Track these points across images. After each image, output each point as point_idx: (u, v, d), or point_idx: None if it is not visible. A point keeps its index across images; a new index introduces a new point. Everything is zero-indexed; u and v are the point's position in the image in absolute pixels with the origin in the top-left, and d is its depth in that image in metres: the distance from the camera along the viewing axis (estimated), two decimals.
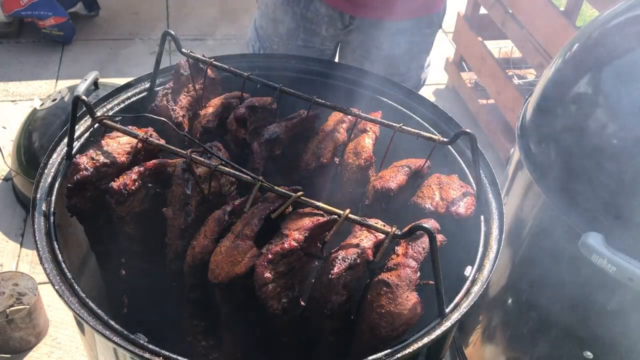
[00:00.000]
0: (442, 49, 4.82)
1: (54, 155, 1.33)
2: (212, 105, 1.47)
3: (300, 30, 1.96)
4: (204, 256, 1.16)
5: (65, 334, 2.63)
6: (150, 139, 1.26)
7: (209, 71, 1.49)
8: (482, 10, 3.86)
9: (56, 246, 1.17)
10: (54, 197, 1.26)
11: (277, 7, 1.96)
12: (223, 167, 1.18)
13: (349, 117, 1.43)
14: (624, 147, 1.32)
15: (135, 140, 1.28)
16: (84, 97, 1.23)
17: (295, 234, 1.09)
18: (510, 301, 1.73)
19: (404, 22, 1.96)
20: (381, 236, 1.10)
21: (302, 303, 1.16)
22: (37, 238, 1.17)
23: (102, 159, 1.25)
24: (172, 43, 1.46)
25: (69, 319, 2.67)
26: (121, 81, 1.65)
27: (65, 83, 3.89)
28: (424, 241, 1.08)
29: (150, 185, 1.26)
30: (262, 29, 2.05)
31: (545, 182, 1.50)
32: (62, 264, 1.14)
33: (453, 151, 1.44)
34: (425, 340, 1.05)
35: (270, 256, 1.07)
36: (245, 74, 1.45)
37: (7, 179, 3.30)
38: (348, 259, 1.07)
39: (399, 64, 2.05)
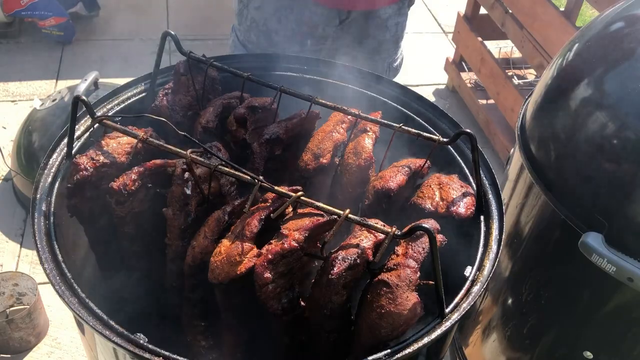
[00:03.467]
0: (442, 49, 4.82)
1: (54, 155, 1.33)
2: (212, 105, 1.47)
3: (296, 35, 1.95)
4: (204, 256, 1.16)
5: (65, 334, 2.63)
6: (150, 139, 1.26)
7: (209, 71, 1.49)
8: (482, 10, 3.86)
9: (56, 246, 1.17)
10: (54, 197, 1.26)
11: (269, 19, 1.94)
12: (223, 167, 1.18)
13: (349, 117, 1.43)
14: (623, 147, 1.33)
15: (135, 140, 1.28)
16: (84, 97, 1.23)
17: (295, 234, 1.09)
18: (510, 301, 1.74)
19: (392, 5, 2.00)
20: (381, 236, 1.10)
21: (302, 303, 1.16)
22: (37, 238, 1.17)
23: (102, 159, 1.25)
24: (172, 43, 1.46)
25: (69, 319, 2.67)
26: (121, 81, 1.65)
27: (65, 83, 3.90)
28: (424, 241, 1.08)
29: (150, 185, 1.27)
30: (252, 42, 2.03)
31: (545, 182, 1.50)
32: (62, 264, 1.14)
33: (453, 151, 1.44)
34: (425, 340, 1.05)
35: (270, 256, 1.07)
36: (245, 74, 1.45)
37: (7, 179, 3.30)
38: (348, 259, 1.07)
39: (389, 48, 2.09)
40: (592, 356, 1.53)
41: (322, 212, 1.12)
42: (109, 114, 1.44)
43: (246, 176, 1.16)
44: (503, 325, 1.79)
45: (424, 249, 1.08)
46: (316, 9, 1.90)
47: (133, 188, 1.22)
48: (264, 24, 1.97)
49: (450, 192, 1.29)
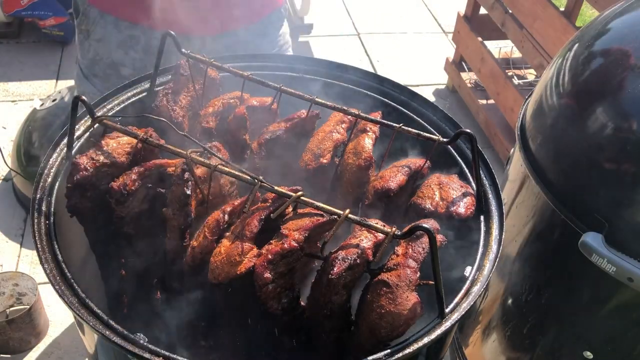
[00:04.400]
0: (442, 49, 4.83)
1: (54, 155, 1.33)
2: (212, 105, 1.47)
3: (148, 65, 1.75)
4: (204, 256, 1.16)
5: (65, 334, 2.64)
6: (150, 139, 1.26)
7: (209, 71, 1.49)
8: (482, 10, 3.87)
9: (56, 246, 1.17)
10: (54, 197, 1.26)
11: (114, 51, 1.79)
12: (223, 167, 1.18)
13: (349, 117, 1.43)
14: (623, 147, 1.33)
15: (135, 140, 1.28)
16: (83, 97, 1.23)
17: (295, 234, 1.09)
18: (510, 301, 1.74)
19: (250, 27, 1.88)
20: (381, 236, 1.10)
21: (302, 303, 1.16)
22: (37, 238, 1.17)
23: (102, 159, 1.25)
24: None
25: (69, 319, 2.67)
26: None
27: (65, 83, 3.90)
28: (424, 241, 1.08)
29: (150, 185, 1.27)
30: (99, 77, 1.85)
31: (545, 182, 1.50)
32: (62, 264, 1.14)
33: (453, 151, 1.44)
34: (425, 340, 1.05)
35: (270, 256, 1.07)
36: (245, 74, 1.45)
37: (7, 179, 3.31)
38: (348, 259, 1.07)
39: None
40: (592, 356, 1.53)
41: (322, 212, 1.12)
42: (109, 114, 1.44)
43: (246, 176, 1.16)
44: (503, 325, 1.79)
45: (424, 249, 1.08)
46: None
47: (133, 188, 1.22)
48: (108, 57, 1.82)
49: (450, 192, 1.29)
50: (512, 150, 1.78)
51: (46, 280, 1.12)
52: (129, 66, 1.82)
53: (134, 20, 1.77)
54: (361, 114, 1.39)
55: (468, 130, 1.26)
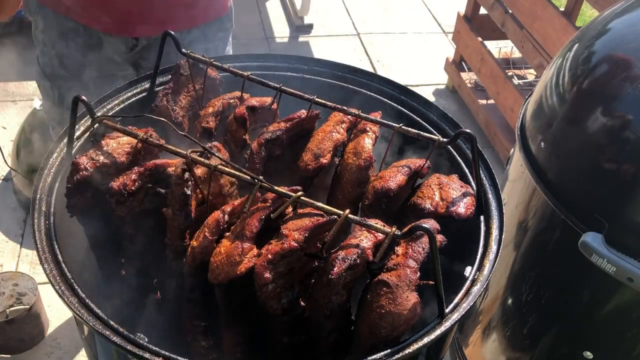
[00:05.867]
0: (442, 49, 4.83)
1: (54, 155, 1.33)
2: (212, 105, 1.47)
3: (88, 60, 1.83)
4: (204, 256, 1.16)
5: (65, 334, 2.64)
6: (150, 139, 1.26)
7: (209, 71, 1.49)
8: (482, 10, 3.87)
9: (56, 246, 1.17)
10: (54, 197, 1.26)
11: (57, 41, 1.83)
12: (223, 167, 1.18)
13: (349, 117, 1.43)
14: (623, 147, 1.33)
15: (135, 140, 1.28)
16: (84, 97, 1.23)
17: (295, 235, 1.09)
18: (510, 301, 1.74)
19: (194, 30, 1.88)
20: (381, 236, 1.10)
21: (302, 303, 1.16)
22: (37, 238, 1.17)
23: (102, 159, 1.25)
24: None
25: (69, 319, 2.67)
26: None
27: None
28: (424, 241, 1.08)
29: (150, 185, 1.27)
30: (48, 65, 1.89)
31: (545, 182, 1.50)
32: (62, 264, 1.14)
33: (453, 151, 1.44)
34: (425, 340, 1.05)
35: (270, 256, 1.07)
36: (245, 74, 1.45)
37: (7, 179, 3.31)
38: (348, 259, 1.07)
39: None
40: (592, 356, 1.53)
41: (322, 212, 1.12)
42: (109, 114, 1.44)
43: (246, 176, 1.16)
44: (503, 325, 1.79)
45: (424, 249, 1.08)
46: (98, 34, 1.79)
47: (133, 188, 1.22)
48: (53, 47, 1.86)
49: (450, 192, 1.28)
50: (512, 150, 1.78)
51: (46, 280, 1.12)
52: (70, 58, 1.84)
53: (67, 15, 1.81)
54: (361, 114, 1.39)
55: (468, 130, 1.26)
